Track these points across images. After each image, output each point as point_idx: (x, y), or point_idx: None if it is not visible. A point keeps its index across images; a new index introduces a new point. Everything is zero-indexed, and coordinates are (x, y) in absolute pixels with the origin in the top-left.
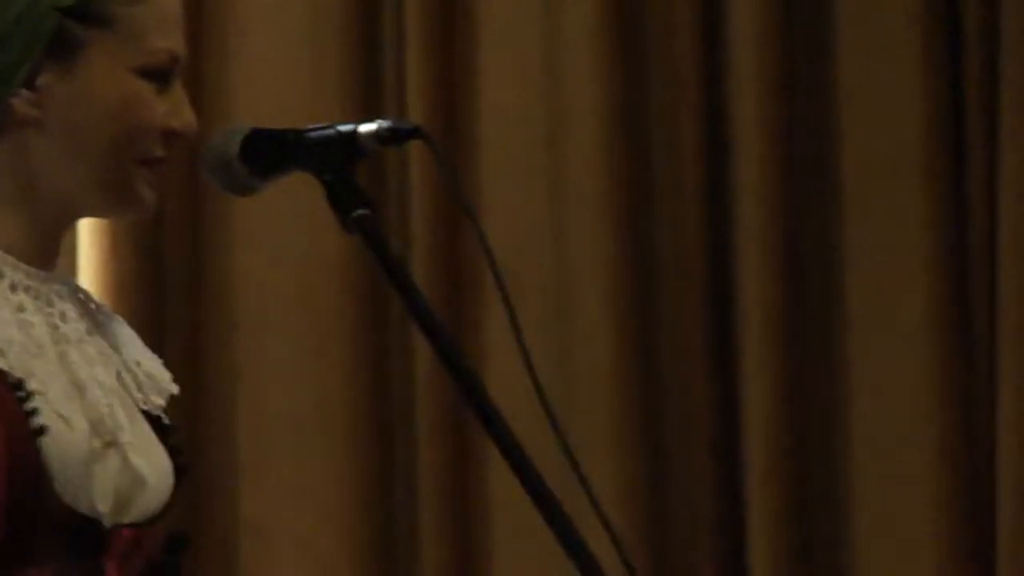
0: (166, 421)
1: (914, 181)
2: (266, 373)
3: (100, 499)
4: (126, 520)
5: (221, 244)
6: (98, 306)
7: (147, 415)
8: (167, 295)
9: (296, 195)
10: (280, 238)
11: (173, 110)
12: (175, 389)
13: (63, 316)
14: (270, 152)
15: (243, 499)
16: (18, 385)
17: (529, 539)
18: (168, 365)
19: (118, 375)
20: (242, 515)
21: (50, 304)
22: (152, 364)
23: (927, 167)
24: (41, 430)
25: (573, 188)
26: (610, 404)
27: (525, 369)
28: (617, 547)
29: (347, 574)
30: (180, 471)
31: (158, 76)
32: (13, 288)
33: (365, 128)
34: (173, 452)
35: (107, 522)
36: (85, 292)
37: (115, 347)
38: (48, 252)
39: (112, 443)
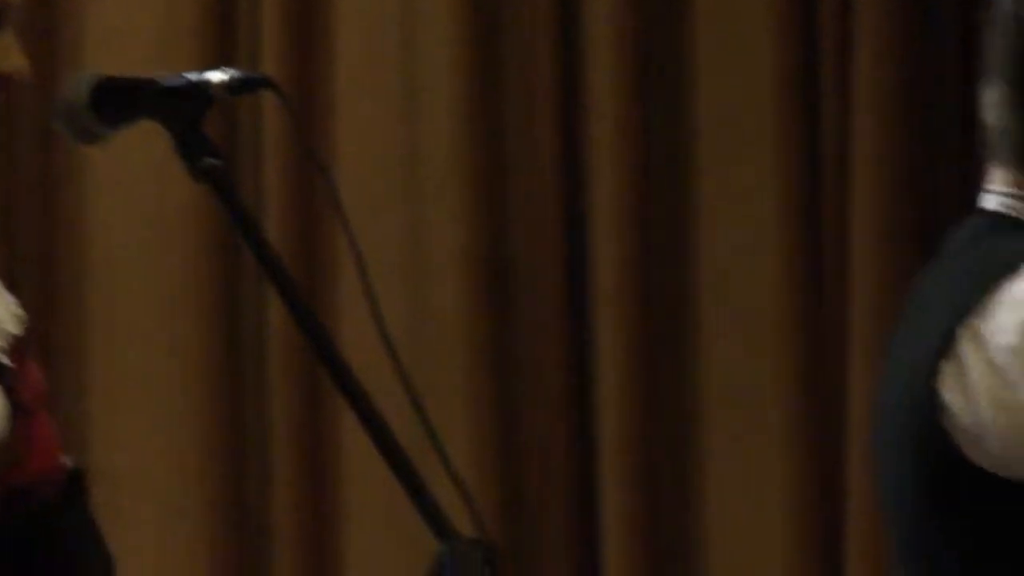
0: (4, 362)
1: (766, 154)
2: (118, 323)
3: None
4: None
5: (73, 194)
6: None
7: None
8: (17, 245)
9: (150, 145)
10: (133, 188)
11: (1, 53)
12: (14, 330)
13: None
14: (120, 100)
15: (94, 449)
16: None
17: (381, 488)
18: None
19: None
20: (93, 465)
21: None
22: None
23: (781, 139)
24: None
25: (427, 155)
26: (462, 361)
27: (376, 325)
28: (467, 501)
29: (199, 523)
30: (18, 410)
31: None
32: None
33: (215, 76)
34: (9, 392)
35: None
36: None
37: None
38: None
39: None
